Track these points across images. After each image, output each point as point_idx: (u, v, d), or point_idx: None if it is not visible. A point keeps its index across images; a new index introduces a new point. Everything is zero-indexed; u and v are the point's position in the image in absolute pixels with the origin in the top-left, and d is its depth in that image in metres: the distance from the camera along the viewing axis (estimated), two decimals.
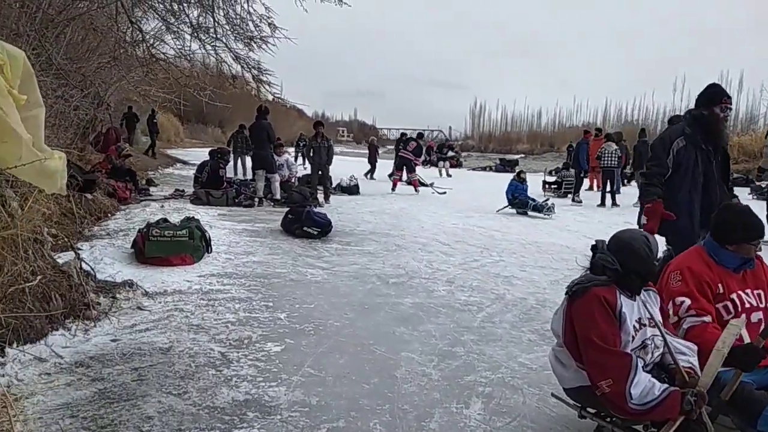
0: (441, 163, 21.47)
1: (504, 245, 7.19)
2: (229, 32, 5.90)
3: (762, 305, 2.60)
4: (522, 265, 6.03)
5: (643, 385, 2.03)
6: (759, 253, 2.68)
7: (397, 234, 7.60)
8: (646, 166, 3.90)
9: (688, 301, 2.47)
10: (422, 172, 20.40)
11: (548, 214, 10.31)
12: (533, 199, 10.77)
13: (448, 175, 20.18)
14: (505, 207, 10.70)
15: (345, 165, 21.13)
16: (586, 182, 14.92)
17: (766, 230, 2.74)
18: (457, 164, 27.13)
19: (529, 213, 10.46)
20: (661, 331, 2.27)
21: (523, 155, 41.71)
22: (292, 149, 23.04)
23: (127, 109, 18.61)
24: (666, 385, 2.06)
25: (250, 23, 5.93)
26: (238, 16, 5.84)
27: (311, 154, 10.96)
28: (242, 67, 6.34)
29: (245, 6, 5.72)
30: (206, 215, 8.03)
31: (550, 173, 16.29)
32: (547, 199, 11.12)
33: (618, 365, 2.07)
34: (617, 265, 2.25)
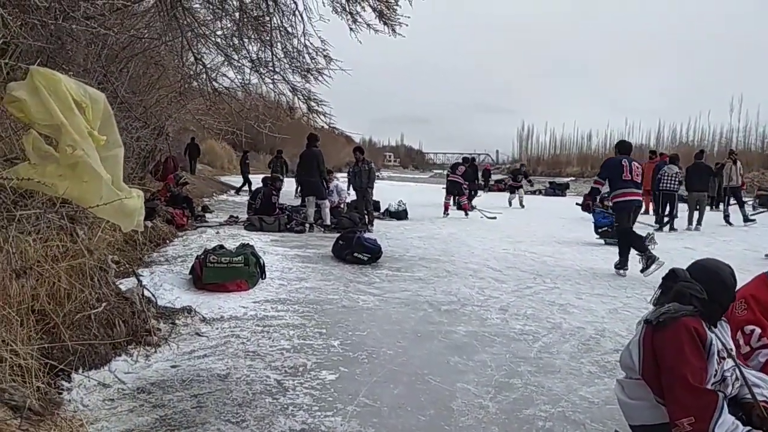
0: (516, 192, 18.53)
1: (558, 271, 7.02)
2: (286, 65, 6.11)
3: None
4: (578, 293, 5.87)
5: (727, 427, 1.93)
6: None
7: (447, 260, 7.54)
8: None
9: (758, 330, 2.36)
10: (490, 198, 20.31)
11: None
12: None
13: (521, 205, 17.76)
14: (599, 236, 9.85)
15: (393, 190, 21.29)
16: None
17: None
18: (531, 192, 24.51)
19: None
20: (736, 363, 2.16)
21: (573, 178, 40.97)
22: (341, 175, 23.39)
23: (190, 139, 19.86)
24: (749, 428, 1.95)
25: (306, 56, 6.13)
26: (295, 50, 6.04)
27: (353, 179, 11.07)
28: (298, 98, 6.53)
29: (302, 40, 5.92)
30: (259, 241, 8.20)
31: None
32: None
33: (705, 404, 1.96)
34: (705, 294, 2.16)
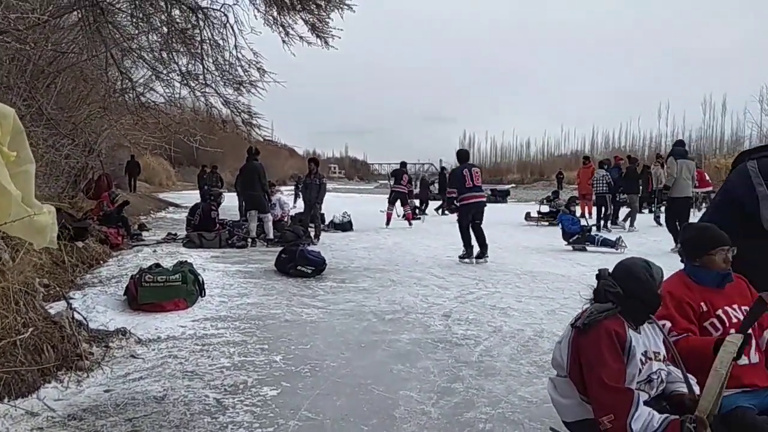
0: None
1: (499, 276, 7.17)
2: (218, 78, 6.00)
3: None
4: (518, 296, 6.01)
5: (644, 419, 2.02)
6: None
7: (392, 269, 7.58)
8: None
9: (669, 324, 2.47)
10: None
11: (621, 249, 9.16)
12: (597, 234, 10.29)
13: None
14: (569, 243, 9.88)
15: (338, 201, 21.24)
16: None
17: None
18: None
19: (589, 249, 9.59)
20: (666, 364, 2.27)
21: (513, 185, 42.12)
22: (286, 188, 23.18)
23: (130, 157, 19.59)
24: (666, 415, 2.05)
25: (239, 68, 6.05)
26: (227, 62, 5.95)
27: (303, 192, 11.01)
28: (232, 111, 6.42)
29: (234, 52, 5.84)
30: (199, 258, 7.99)
31: (542, 202, 16.37)
32: (619, 237, 9.79)
33: (620, 402, 2.05)
34: (618, 288, 2.25)
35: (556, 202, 15.31)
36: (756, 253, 2.77)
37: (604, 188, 13.43)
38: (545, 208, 15.54)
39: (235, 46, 5.80)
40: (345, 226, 12.82)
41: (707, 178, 15.20)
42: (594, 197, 14.15)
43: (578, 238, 9.81)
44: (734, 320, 2.55)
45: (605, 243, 9.43)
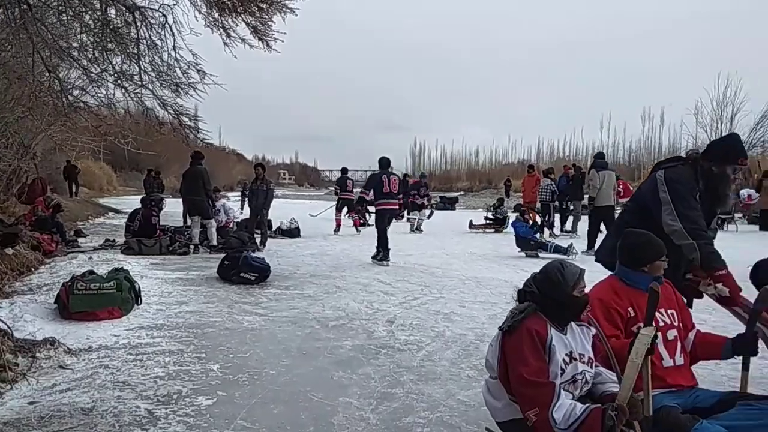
0: (418, 211, 15.62)
1: (444, 282, 7.24)
2: (155, 79, 5.81)
3: (676, 324, 2.72)
4: (462, 301, 6.08)
5: (565, 408, 2.08)
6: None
7: (338, 276, 7.54)
8: (689, 220, 3.16)
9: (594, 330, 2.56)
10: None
11: (572, 256, 9.30)
12: (550, 240, 10.43)
13: (418, 230, 15.09)
14: (523, 249, 10.04)
15: (287, 208, 21.01)
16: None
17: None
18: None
19: (541, 255, 9.70)
20: (591, 366, 2.33)
21: (462, 192, 42.77)
22: (232, 194, 22.74)
23: (66, 161, 18.84)
24: (588, 404, 2.11)
25: (177, 70, 5.87)
26: (164, 63, 5.77)
27: (250, 198, 10.83)
28: (170, 113, 6.23)
29: (172, 53, 5.67)
30: (137, 265, 7.73)
31: (488, 209, 16.69)
32: (570, 245, 9.92)
33: (542, 394, 2.12)
34: (534, 288, 2.33)
35: (500, 210, 15.65)
36: None
37: (548, 197, 13.87)
38: (490, 215, 15.87)
39: (174, 47, 5.65)
40: (293, 232, 12.68)
41: (632, 188, 15.92)
42: (539, 205, 14.57)
43: (532, 244, 10.01)
44: (661, 324, 2.66)
45: (557, 250, 9.64)
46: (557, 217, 14.17)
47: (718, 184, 3.20)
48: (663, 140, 33.60)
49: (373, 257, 8.84)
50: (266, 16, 5.60)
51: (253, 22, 5.63)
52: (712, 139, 3.77)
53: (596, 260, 3.65)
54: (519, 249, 10.11)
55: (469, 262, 9.24)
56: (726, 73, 28.05)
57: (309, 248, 10.68)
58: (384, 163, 9.26)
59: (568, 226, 14.10)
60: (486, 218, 15.53)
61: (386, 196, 8.89)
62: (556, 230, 13.74)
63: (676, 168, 3.32)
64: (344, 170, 15.33)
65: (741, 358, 2.75)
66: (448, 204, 27.97)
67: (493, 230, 14.82)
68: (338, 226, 13.94)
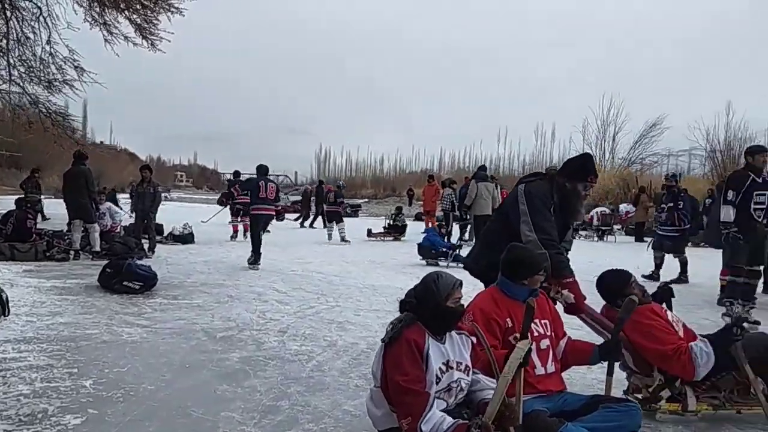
0: (335, 222, 14.42)
1: (341, 290, 7.23)
2: (24, 74, 5.30)
3: (548, 333, 2.88)
4: (357, 310, 6.09)
5: (434, 421, 2.14)
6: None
7: (232, 284, 7.30)
8: (543, 231, 3.34)
9: (475, 339, 2.66)
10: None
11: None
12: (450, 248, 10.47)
13: (345, 240, 13.92)
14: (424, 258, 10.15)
15: (182, 212, 20.14)
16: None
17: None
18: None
19: (441, 263, 9.77)
20: (467, 374, 2.40)
21: (367, 200, 43.14)
22: (122, 196, 21.46)
23: None
24: (457, 420, 2.17)
25: (52, 66, 5.39)
26: (37, 58, 5.28)
27: (136, 201, 10.23)
28: (41, 110, 5.72)
29: (46, 48, 5.20)
30: (8, 272, 7.08)
31: (388, 217, 16.90)
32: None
33: (416, 403, 2.16)
34: (413, 298, 2.39)
35: (399, 218, 15.91)
36: None
37: (448, 206, 14.32)
38: (389, 223, 16.08)
39: (49, 42, 5.19)
40: (186, 238, 12.14)
41: None
42: (440, 214, 15.05)
43: (433, 253, 10.19)
44: (535, 333, 2.80)
45: (457, 259, 9.81)
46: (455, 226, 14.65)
47: (570, 199, 3.46)
48: (554, 154, 36.04)
49: (249, 261, 8.95)
50: (151, 15, 5.30)
51: (137, 20, 5.31)
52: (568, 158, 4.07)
53: (464, 267, 3.84)
54: (421, 257, 10.28)
55: (367, 270, 9.29)
56: (610, 94, 30.42)
57: (202, 255, 10.27)
58: (263, 170, 9.68)
59: (467, 235, 14.62)
60: (385, 227, 15.73)
61: (262, 201, 9.24)
62: (454, 239, 14.20)
63: (535, 183, 3.57)
64: (236, 173, 14.91)
65: (606, 363, 2.98)
66: (351, 211, 28.09)
67: (392, 238, 15.02)
68: (235, 232, 13.54)
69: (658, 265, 8.91)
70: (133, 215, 11.46)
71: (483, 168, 12.72)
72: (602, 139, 32.03)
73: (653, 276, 8.69)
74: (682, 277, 8.54)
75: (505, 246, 2.98)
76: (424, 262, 10.13)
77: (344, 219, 14.67)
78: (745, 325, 5.49)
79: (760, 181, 5.92)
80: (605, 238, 16.76)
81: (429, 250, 10.15)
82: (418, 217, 22.84)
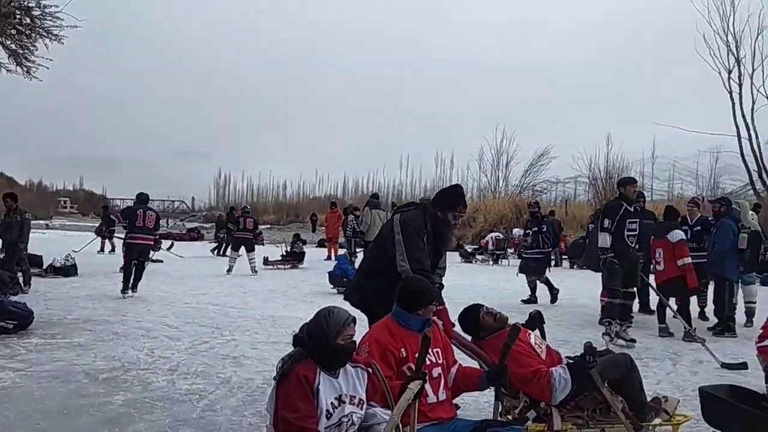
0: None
1: (238, 323, 7.03)
2: None
3: (440, 361, 2.99)
4: (254, 343, 5.96)
5: None
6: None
7: (118, 320, 6.88)
8: (415, 261, 3.48)
9: (371, 371, 2.72)
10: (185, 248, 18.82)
11: None
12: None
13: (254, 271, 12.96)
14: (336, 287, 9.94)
15: (64, 241, 18.74)
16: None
17: None
18: None
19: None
20: (360, 408, 2.44)
21: (269, 226, 42.33)
22: None
23: None
24: None
25: None
26: None
27: (2, 232, 9.34)
28: None
29: None
30: None
31: (289, 244, 16.68)
32: None
33: None
34: (305, 333, 2.41)
35: (297, 245, 15.67)
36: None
37: (350, 232, 14.49)
38: (287, 250, 15.80)
39: None
40: (68, 270, 11.28)
41: None
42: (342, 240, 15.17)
43: (345, 281, 10.08)
44: (428, 362, 2.90)
45: None
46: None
47: (442, 228, 3.65)
48: (453, 180, 37.47)
49: (122, 290, 8.81)
50: (27, 41, 4.99)
51: (11, 46, 4.97)
52: (439, 188, 4.31)
53: (344, 298, 3.92)
54: (332, 286, 10.16)
55: (267, 300, 9.11)
56: (503, 125, 32.37)
57: (86, 289, 9.59)
58: (143, 198, 9.66)
59: None
60: (282, 254, 15.38)
61: (139, 230, 9.18)
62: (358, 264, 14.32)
63: (410, 212, 3.74)
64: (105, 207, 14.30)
65: (494, 388, 3.14)
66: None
67: (289, 266, 14.74)
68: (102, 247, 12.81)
69: (533, 288, 9.46)
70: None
71: (375, 196, 13.20)
72: (496, 167, 33.85)
73: (530, 299, 9.22)
74: (554, 292, 9.24)
75: (385, 274, 3.09)
76: (334, 290, 9.99)
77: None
78: (621, 342, 6.11)
79: (632, 210, 6.50)
80: (500, 262, 17.61)
81: (341, 278, 10.05)
82: (320, 244, 22.78)
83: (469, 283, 11.26)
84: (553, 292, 9.25)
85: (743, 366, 5.10)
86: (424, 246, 3.53)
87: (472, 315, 3.48)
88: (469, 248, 19.50)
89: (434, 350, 2.98)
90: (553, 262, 12.62)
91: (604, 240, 6.42)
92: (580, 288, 9.47)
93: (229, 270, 12.69)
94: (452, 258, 16.75)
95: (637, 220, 6.54)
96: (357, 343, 2.65)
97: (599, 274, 6.81)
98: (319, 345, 2.39)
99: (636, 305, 7.44)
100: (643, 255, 6.95)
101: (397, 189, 41.49)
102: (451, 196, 3.72)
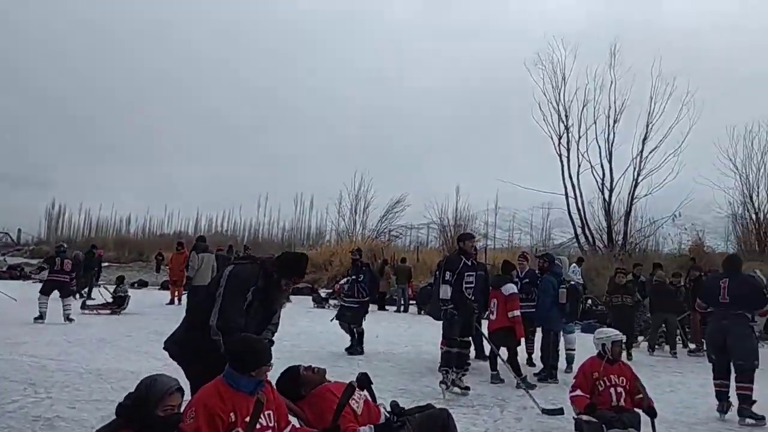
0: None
1: (57, 377, 6.30)
2: None
3: (271, 424, 2.94)
4: (73, 401, 5.37)
5: None
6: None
7: None
8: (225, 317, 3.45)
9: None
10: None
11: None
12: None
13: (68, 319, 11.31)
14: None
15: None
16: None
17: None
18: None
19: None
20: None
21: (107, 264, 38.89)
22: None
23: None
24: None
25: None
26: None
27: None
28: None
29: None
30: None
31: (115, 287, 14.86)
32: None
33: None
34: (129, 400, 2.27)
35: (121, 288, 13.96)
36: None
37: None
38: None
39: None
40: None
41: None
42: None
43: None
44: (259, 426, 2.84)
45: None
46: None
47: (272, 289, 3.65)
48: (312, 223, 37.61)
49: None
50: None
51: None
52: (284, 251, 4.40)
53: (164, 348, 3.75)
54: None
55: (94, 350, 8.25)
56: (361, 172, 33.31)
57: None
58: (60, 250, 11.80)
59: None
60: (107, 300, 13.68)
61: (56, 275, 11.08)
62: None
63: (245, 266, 3.74)
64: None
65: None
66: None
67: (109, 311, 12.98)
68: None
69: (351, 333, 9.16)
70: None
71: (202, 239, 13.14)
72: (354, 212, 34.61)
73: (353, 347, 9.00)
74: (358, 348, 8.98)
75: (209, 330, 3.01)
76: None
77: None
78: (457, 390, 6.43)
79: (470, 263, 6.98)
80: None
81: None
82: (164, 286, 21.31)
83: (320, 329, 11.19)
84: (359, 348, 9.02)
85: (560, 412, 5.59)
86: (242, 304, 3.48)
87: (292, 375, 3.50)
88: (323, 293, 19.32)
89: (266, 413, 2.93)
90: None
91: (445, 292, 6.77)
92: (426, 334, 9.79)
93: (41, 317, 10.83)
94: (305, 303, 16.72)
95: (474, 273, 7.04)
96: (182, 414, 2.53)
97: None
98: (138, 415, 2.25)
99: (472, 352, 7.91)
100: (477, 306, 7.45)
101: (254, 229, 40.47)
102: (293, 265, 3.73)
